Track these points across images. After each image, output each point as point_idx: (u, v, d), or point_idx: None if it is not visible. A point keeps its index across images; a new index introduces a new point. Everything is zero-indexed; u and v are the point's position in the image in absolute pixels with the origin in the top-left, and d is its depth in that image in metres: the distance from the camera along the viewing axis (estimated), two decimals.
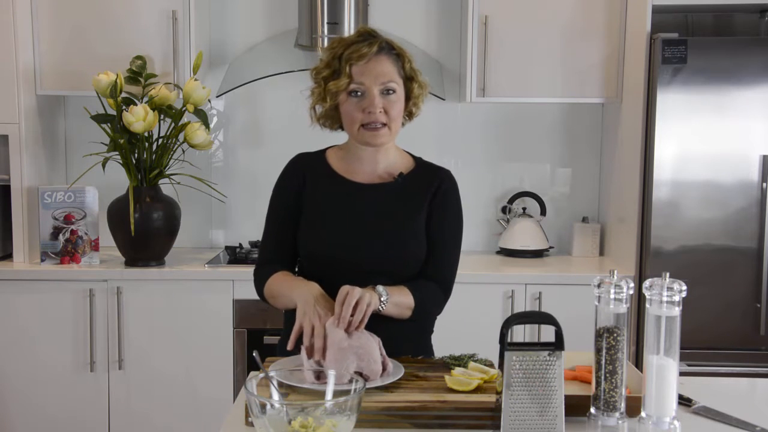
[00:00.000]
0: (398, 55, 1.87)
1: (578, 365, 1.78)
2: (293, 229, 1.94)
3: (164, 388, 3.13)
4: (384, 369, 1.68)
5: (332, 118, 1.92)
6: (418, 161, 2.02)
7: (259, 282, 1.96)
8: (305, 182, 1.95)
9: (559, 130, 3.65)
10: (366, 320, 1.71)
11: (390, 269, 1.89)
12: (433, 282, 1.93)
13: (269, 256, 1.98)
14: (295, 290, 1.82)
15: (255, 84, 3.36)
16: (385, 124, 1.85)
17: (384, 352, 1.72)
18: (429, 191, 1.95)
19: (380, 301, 1.77)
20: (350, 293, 1.70)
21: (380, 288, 1.79)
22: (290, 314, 1.96)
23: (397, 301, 1.83)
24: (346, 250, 1.89)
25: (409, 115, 1.94)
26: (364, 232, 1.90)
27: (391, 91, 1.84)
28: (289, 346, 1.74)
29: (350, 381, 1.46)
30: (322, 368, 1.59)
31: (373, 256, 1.88)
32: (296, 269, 2.01)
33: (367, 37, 1.85)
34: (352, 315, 1.69)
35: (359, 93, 1.83)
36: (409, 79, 1.89)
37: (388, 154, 1.95)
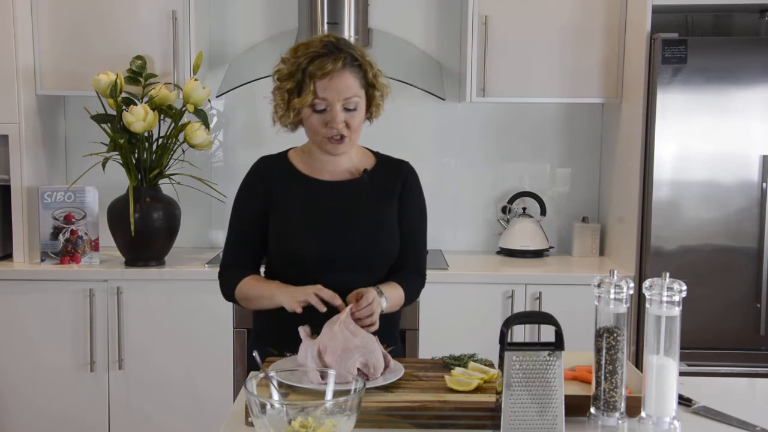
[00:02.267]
0: (360, 65, 1.90)
1: (578, 365, 1.78)
2: (261, 232, 1.98)
3: (164, 388, 3.13)
4: (387, 366, 1.69)
5: (294, 124, 1.96)
6: (379, 157, 2.07)
7: (229, 285, 2.01)
8: (272, 185, 1.99)
9: (559, 130, 3.65)
10: (376, 324, 1.80)
11: (365, 264, 1.95)
12: (411, 271, 2.02)
13: (236, 259, 2.03)
14: (275, 291, 1.88)
15: (255, 84, 3.36)
16: (345, 136, 1.90)
17: (383, 349, 1.73)
18: (396, 186, 2.02)
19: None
20: (367, 293, 1.81)
21: (382, 297, 1.87)
22: (262, 312, 2.03)
23: (394, 302, 1.93)
24: (321, 247, 1.93)
25: (369, 117, 1.99)
26: (337, 229, 1.95)
27: (353, 106, 1.88)
28: (299, 310, 1.79)
29: (351, 380, 1.46)
30: (326, 369, 1.59)
31: (348, 252, 1.93)
32: (261, 271, 2.07)
33: (332, 49, 1.87)
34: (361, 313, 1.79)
35: (322, 108, 1.87)
36: (371, 87, 1.93)
37: (349, 153, 2.00)
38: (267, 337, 1.99)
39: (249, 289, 1.96)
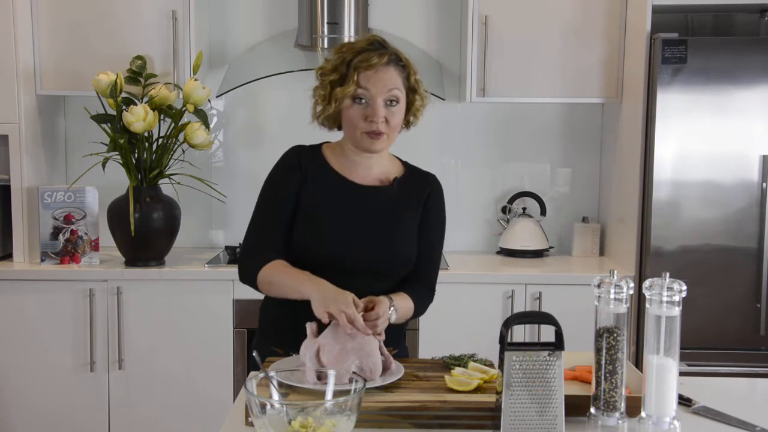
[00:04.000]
0: (404, 66, 1.91)
1: (578, 365, 1.78)
2: (289, 219, 1.94)
3: (164, 387, 3.13)
4: (388, 368, 1.69)
5: (333, 120, 1.95)
6: (407, 166, 2.06)
7: (252, 267, 1.92)
8: (306, 176, 1.96)
9: (559, 130, 3.65)
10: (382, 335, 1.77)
11: (383, 270, 1.94)
12: (423, 285, 2.00)
13: (262, 242, 1.95)
14: (306, 283, 1.80)
15: (255, 84, 3.36)
16: (384, 133, 1.89)
17: (386, 351, 1.73)
18: (421, 197, 2.01)
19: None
20: (379, 305, 1.77)
21: (392, 309, 1.84)
22: (270, 310, 2.03)
23: (403, 315, 1.90)
24: (344, 250, 1.91)
25: (406, 124, 1.98)
26: (360, 233, 1.93)
27: (394, 101, 1.88)
28: (325, 320, 1.71)
29: (350, 381, 1.46)
30: (323, 369, 1.59)
31: (370, 257, 1.92)
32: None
33: (377, 46, 1.89)
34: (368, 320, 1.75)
35: (364, 100, 1.87)
36: (412, 91, 1.93)
37: (381, 159, 1.99)
38: (273, 336, 1.96)
39: (274, 274, 1.88)
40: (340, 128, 1.97)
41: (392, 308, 1.83)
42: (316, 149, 2.02)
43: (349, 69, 1.86)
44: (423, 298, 2.00)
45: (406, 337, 2.45)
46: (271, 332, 2.01)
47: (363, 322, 1.70)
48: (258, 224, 1.99)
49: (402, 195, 1.98)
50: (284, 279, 1.86)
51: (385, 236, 1.94)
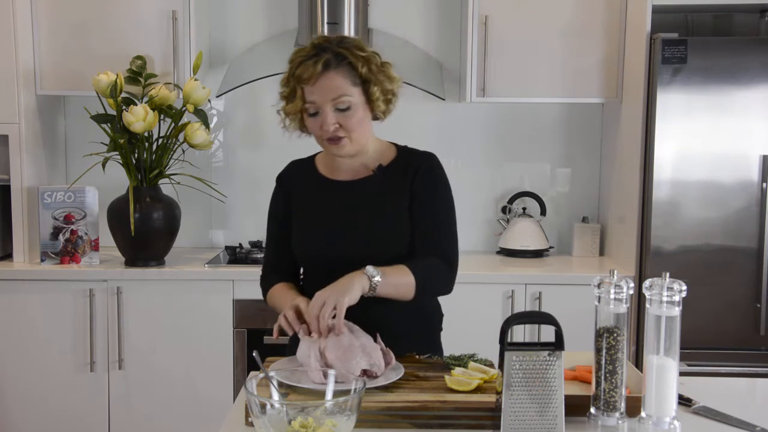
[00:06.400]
0: (350, 63, 1.83)
1: (578, 365, 1.78)
2: (288, 236, 2.01)
3: (164, 388, 3.13)
4: (389, 363, 1.69)
5: (300, 127, 1.95)
6: (401, 150, 2.01)
7: (264, 291, 2.06)
8: (292, 189, 2.01)
9: (559, 130, 3.65)
10: (340, 319, 1.68)
11: (371, 258, 1.85)
12: (432, 256, 1.90)
13: (272, 265, 2.06)
14: (286, 305, 1.86)
15: (255, 84, 3.36)
16: (342, 137, 1.86)
17: (383, 346, 1.72)
18: (408, 176, 1.94)
19: (371, 284, 1.76)
20: (311, 306, 1.73)
21: (370, 269, 1.77)
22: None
23: (395, 281, 1.81)
24: (326, 247, 1.93)
25: (381, 114, 1.93)
26: (341, 227, 1.93)
27: (344, 105, 1.84)
28: (274, 335, 1.81)
29: (352, 380, 1.46)
30: (330, 368, 1.59)
31: (354, 249, 1.89)
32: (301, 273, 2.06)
33: (317, 51, 1.83)
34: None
35: (314, 111, 1.86)
36: (366, 83, 1.85)
37: (365, 150, 1.95)
38: None
39: (273, 298, 1.99)
40: None
41: (378, 274, 1.76)
42: (310, 159, 2.06)
43: (296, 82, 1.84)
44: (432, 269, 1.88)
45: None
46: None
47: (291, 317, 1.76)
48: (266, 248, 2.10)
49: (386, 182, 1.94)
50: (277, 302, 1.96)
51: (366, 227, 1.92)
